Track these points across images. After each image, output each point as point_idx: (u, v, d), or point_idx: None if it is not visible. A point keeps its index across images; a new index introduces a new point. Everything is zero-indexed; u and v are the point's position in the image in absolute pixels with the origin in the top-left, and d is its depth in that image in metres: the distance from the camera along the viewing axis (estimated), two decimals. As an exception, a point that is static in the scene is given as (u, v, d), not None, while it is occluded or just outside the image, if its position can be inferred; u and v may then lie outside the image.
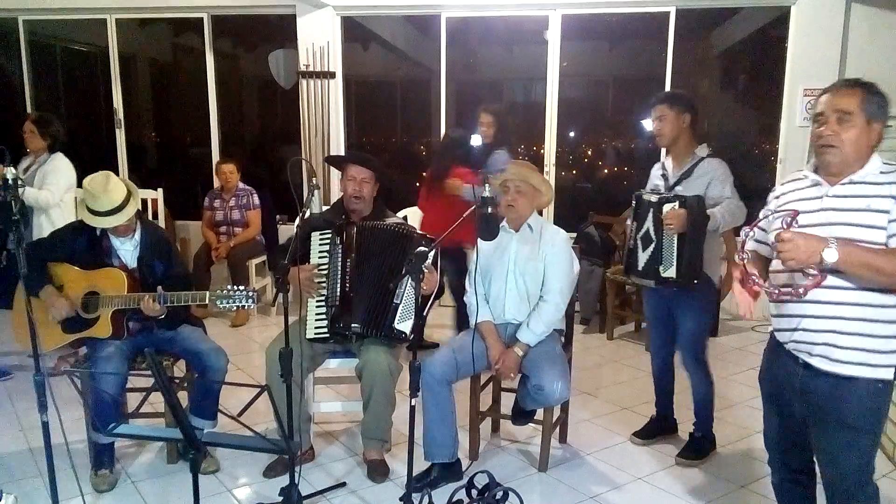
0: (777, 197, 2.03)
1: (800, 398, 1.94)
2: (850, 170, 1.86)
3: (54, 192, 4.06)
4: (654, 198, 2.96)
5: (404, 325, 2.87)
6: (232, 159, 5.65)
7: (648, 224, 2.96)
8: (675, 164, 3.06)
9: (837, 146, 1.84)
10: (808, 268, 1.75)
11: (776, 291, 1.85)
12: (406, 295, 2.86)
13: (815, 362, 1.88)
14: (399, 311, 2.86)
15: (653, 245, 2.95)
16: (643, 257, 3.00)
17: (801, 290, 1.77)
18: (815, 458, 2.03)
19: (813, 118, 1.92)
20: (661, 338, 3.27)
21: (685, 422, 3.30)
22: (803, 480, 2.13)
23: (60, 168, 4.13)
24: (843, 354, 1.83)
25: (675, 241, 2.86)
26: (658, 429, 3.35)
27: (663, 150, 3.19)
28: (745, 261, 1.93)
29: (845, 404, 1.85)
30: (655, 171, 3.19)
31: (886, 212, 1.77)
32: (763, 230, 2.04)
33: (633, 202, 3.07)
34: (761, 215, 2.03)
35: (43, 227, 4.02)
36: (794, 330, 1.91)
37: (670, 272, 2.90)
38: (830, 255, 1.69)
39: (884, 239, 1.77)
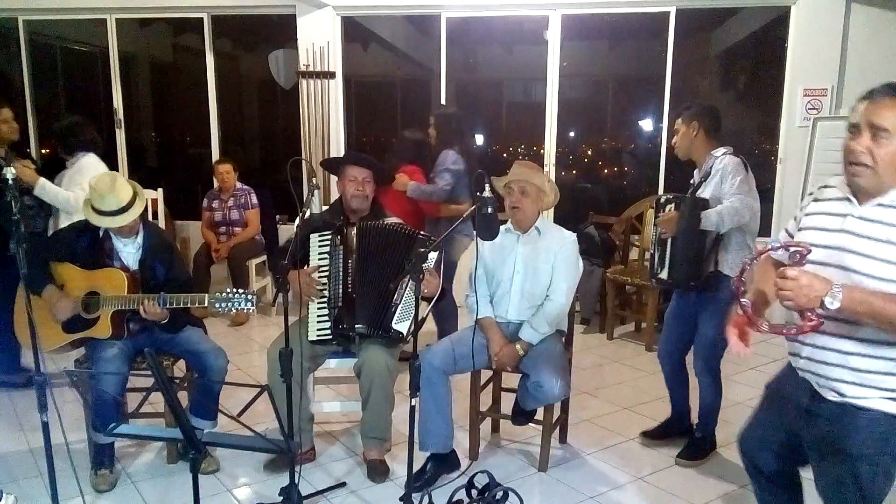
0: (810, 203, 1.86)
1: (805, 417, 1.82)
2: (885, 191, 1.64)
3: (80, 194, 3.83)
4: (662, 199, 3.03)
5: (402, 325, 2.87)
6: (228, 159, 5.65)
7: (659, 227, 3.06)
8: (699, 170, 3.07)
9: (870, 166, 1.62)
10: (806, 311, 1.59)
11: (767, 328, 1.72)
12: (406, 295, 2.86)
13: (823, 392, 1.76)
14: (398, 311, 2.86)
15: (660, 246, 3.02)
16: (656, 258, 3.06)
17: (793, 331, 1.64)
18: (798, 471, 1.97)
19: (847, 128, 1.69)
20: (673, 341, 3.21)
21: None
22: (780, 491, 2.04)
23: (84, 168, 3.91)
24: (851, 390, 1.70)
25: (669, 244, 2.93)
26: (670, 430, 3.30)
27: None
28: (742, 289, 1.73)
29: (851, 432, 1.70)
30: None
31: None
32: (790, 235, 1.88)
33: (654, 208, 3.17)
34: (770, 244, 1.81)
35: None
36: (799, 357, 1.80)
37: (663, 273, 2.98)
38: (832, 303, 1.54)
39: None
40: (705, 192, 2.93)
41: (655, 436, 3.30)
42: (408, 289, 2.83)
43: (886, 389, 1.67)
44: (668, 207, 2.96)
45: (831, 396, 1.74)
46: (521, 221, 3.02)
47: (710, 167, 2.96)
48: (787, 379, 1.93)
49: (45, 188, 3.81)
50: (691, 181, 3.12)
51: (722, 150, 2.98)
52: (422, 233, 3.01)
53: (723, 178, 2.87)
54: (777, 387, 1.99)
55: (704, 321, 3.00)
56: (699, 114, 2.98)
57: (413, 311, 2.86)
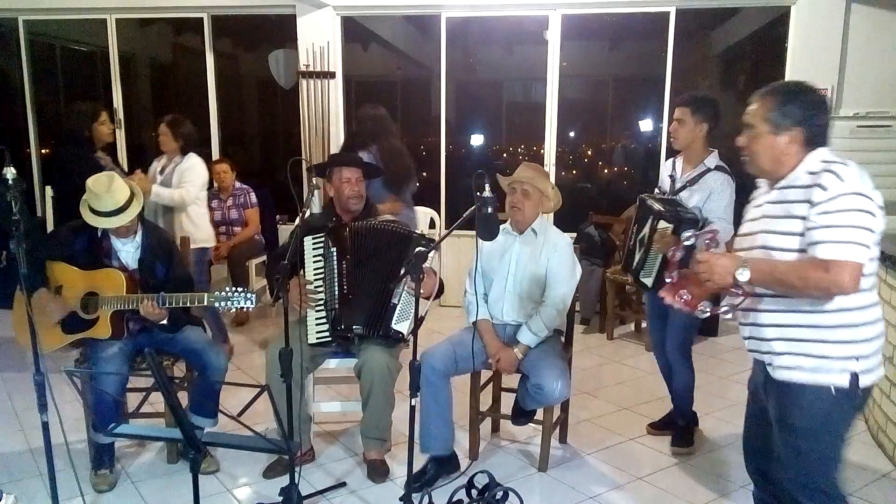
0: (749, 201, 2.05)
1: (768, 400, 1.94)
2: (779, 175, 1.83)
3: (191, 190, 4.21)
4: (655, 206, 3.02)
5: (401, 325, 2.87)
6: (225, 159, 5.67)
7: (646, 230, 3.05)
8: (685, 168, 3.12)
9: (749, 157, 1.88)
10: (730, 288, 1.76)
11: (709, 311, 1.87)
12: (404, 295, 2.86)
13: (771, 371, 1.87)
14: (397, 311, 2.86)
15: (643, 250, 3.05)
16: (637, 257, 3.11)
17: (726, 309, 1.83)
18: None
19: None
20: (659, 334, 3.29)
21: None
22: (780, 496, 2.07)
23: (195, 167, 4.29)
24: (787, 360, 1.81)
25: (659, 258, 2.95)
26: (673, 420, 3.37)
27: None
28: (674, 279, 1.90)
29: (795, 409, 1.83)
30: (665, 168, 3.25)
31: (803, 218, 1.71)
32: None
33: (637, 203, 3.16)
34: (687, 235, 1.99)
35: (184, 224, 4.21)
36: (749, 338, 1.93)
37: (648, 280, 3.04)
38: (743, 275, 1.70)
39: (801, 245, 1.72)
40: (692, 200, 3.00)
41: (660, 426, 3.40)
42: (405, 289, 2.83)
43: (825, 357, 1.77)
44: (660, 222, 2.94)
45: (773, 372, 1.85)
46: (520, 223, 3.01)
47: (699, 176, 3.01)
48: (754, 368, 2.06)
49: (159, 194, 4.14)
50: (670, 175, 3.17)
51: (713, 159, 3.03)
52: (418, 232, 3.00)
53: (711, 194, 2.96)
54: (751, 378, 2.10)
55: (674, 311, 3.07)
56: (710, 114, 3.02)
57: (412, 311, 2.86)
